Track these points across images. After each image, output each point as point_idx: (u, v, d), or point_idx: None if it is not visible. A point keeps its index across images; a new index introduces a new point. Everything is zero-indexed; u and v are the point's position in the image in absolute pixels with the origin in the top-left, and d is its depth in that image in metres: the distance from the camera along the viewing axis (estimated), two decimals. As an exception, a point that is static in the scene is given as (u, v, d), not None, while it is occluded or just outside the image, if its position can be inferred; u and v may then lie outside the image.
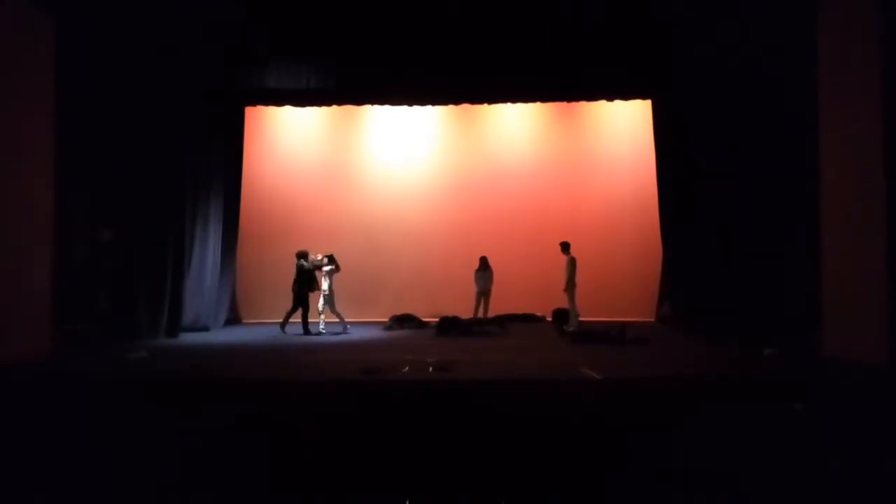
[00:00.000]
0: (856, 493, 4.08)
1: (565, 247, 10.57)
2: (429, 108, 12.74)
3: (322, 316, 10.73)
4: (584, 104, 12.54)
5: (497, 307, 11.94)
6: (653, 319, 11.73)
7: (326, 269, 10.69)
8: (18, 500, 3.96)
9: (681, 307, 10.75)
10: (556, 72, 10.50)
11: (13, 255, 7.98)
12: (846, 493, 4.06)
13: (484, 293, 11.87)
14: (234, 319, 11.79)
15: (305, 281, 10.56)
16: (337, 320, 10.78)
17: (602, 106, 12.50)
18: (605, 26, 10.13)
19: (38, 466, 4.57)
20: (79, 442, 5.30)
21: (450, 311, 11.78)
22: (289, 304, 10.71)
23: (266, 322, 11.56)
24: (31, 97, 8.44)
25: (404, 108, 12.66)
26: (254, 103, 11.71)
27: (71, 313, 8.88)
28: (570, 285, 10.40)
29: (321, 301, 10.76)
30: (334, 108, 12.45)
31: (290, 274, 10.72)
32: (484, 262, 11.88)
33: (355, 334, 10.53)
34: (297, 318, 10.60)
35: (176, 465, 4.52)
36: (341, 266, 10.91)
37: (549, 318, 11.86)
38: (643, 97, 11.47)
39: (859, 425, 5.69)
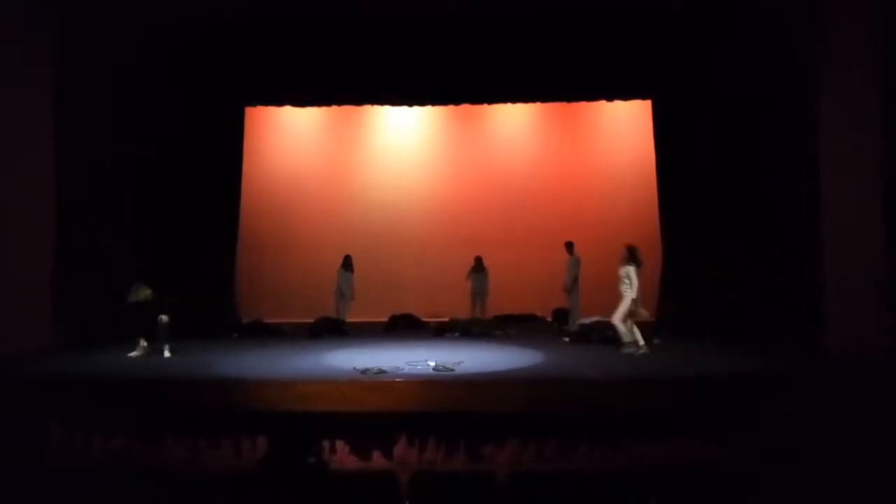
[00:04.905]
0: (856, 491, 4.08)
1: (569, 247, 10.57)
2: (429, 108, 12.74)
3: None
4: (583, 104, 12.54)
5: (497, 307, 11.94)
6: (652, 319, 11.71)
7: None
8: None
9: (680, 306, 10.75)
10: (555, 71, 10.52)
11: (13, 254, 8.00)
12: (846, 491, 4.06)
13: (479, 294, 11.87)
14: (232, 320, 11.75)
15: None
16: None
17: (602, 106, 12.50)
18: (605, 25, 10.16)
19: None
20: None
21: (448, 312, 11.84)
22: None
23: (266, 323, 11.53)
24: (32, 95, 8.45)
25: (404, 109, 12.66)
26: (254, 103, 11.70)
27: (72, 312, 8.87)
28: (573, 285, 10.40)
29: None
30: (334, 108, 12.45)
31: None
32: (478, 262, 11.88)
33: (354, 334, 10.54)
34: None
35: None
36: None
37: (550, 318, 11.87)
38: (643, 97, 11.47)
39: (859, 423, 5.70)
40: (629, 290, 8.31)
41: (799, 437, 5.73)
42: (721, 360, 7.69)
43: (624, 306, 8.34)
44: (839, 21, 7.86)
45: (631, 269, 8.37)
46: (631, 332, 8.35)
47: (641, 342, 8.29)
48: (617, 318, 8.38)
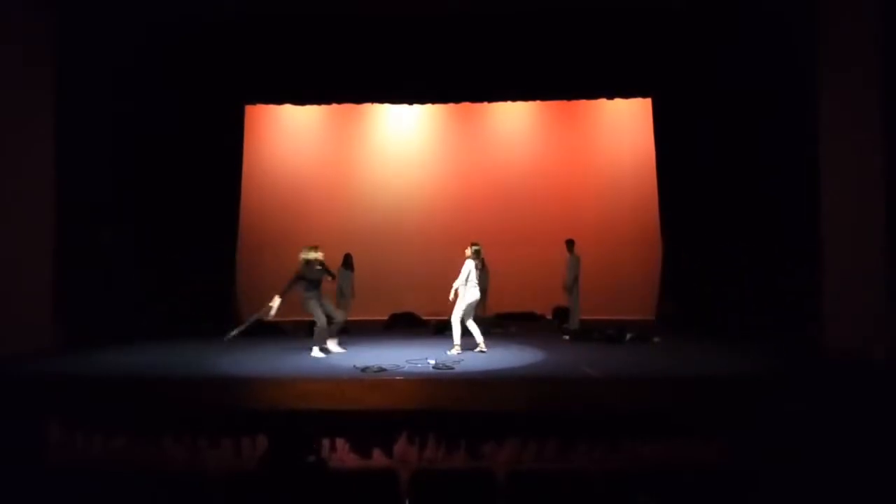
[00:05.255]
0: (856, 491, 4.08)
1: (570, 245, 10.59)
2: (429, 106, 12.74)
3: None
4: (584, 102, 12.55)
5: (497, 306, 11.94)
6: (653, 317, 11.73)
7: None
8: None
9: (680, 305, 10.76)
10: (556, 70, 10.53)
11: (13, 254, 8.00)
12: (846, 491, 4.06)
13: (481, 292, 11.84)
14: (232, 319, 11.73)
15: None
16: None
17: (602, 103, 12.50)
18: (604, 25, 10.17)
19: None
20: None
21: (449, 310, 11.81)
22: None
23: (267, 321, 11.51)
24: (32, 95, 8.45)
25: (404, 107, 12.66)
26: (253, 101, 11.71)
27: (72, 312, 8.88)
28: (574, 284, 10.41)
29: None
30: (334, 106, 12.44)
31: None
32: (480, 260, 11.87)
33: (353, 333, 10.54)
34: None
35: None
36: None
37: (550, 317, 11.86)
38: (643, 95, 11.49)
39: (859, 423, 5.70)
40: (463, 287, 8.53)
41: (799, 437, 5.73)
42: (721, 359, 7.70)
43: (461, 305, 8.52)
44: (839, 21, 7.86)
45: (468, 265, 8.55)
46: (465, 332, 8.53)
47: (480, 340, 8.53)
48: (455, 317, 8.57)
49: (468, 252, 8.65)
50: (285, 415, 5.96)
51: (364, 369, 7.00)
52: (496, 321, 11.36)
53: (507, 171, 13.27)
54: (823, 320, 7.94)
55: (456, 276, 11.87)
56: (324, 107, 12.67)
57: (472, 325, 8.59)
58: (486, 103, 12.49)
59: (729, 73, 9.73)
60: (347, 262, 11.52)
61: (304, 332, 10.58)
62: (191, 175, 10.75)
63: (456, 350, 8.39)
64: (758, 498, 3.93)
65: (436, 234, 13.04)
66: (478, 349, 8.49)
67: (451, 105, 12.62)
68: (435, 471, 5.27)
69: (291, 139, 13.38)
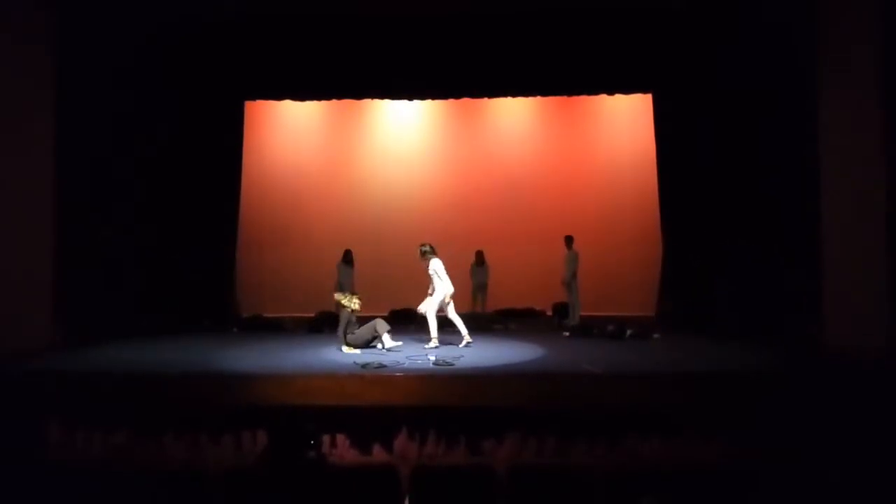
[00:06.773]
0: (856, 491, 4.08)
1: (568, 241, 10.60)
2: (429, 102, 12.73)
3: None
4: (584, 99, 12.55)
5: (497, 302, 11.93)
6: (653, 314, 11.72)
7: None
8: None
9: (680, 302, 10.77)
10: (556, 69, 10.54)
11: (14, 253, 8.00)
12: (846, 491, 4.06)
13: (481, 288, 11.85)
14: (232, 315, 11.73)
15: None
16: None
17: (602, 100, 12.50)
18: (605, 25, 10.19)
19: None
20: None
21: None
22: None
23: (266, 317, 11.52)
24: (32, 95, 8.45)
25: (405, 103, 12.66)
26: (253, 97, 11.71)
27: (72, 312, 8.88)
28: (572, 280, 10.42)
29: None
30: (334, 102, 12.44)
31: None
32: (480, 256, 11.86)
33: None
34: None
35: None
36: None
37: (550, 313, 11.86)
38: (643, 91, 11.48)
39: (859, 423, 5.70)
40: (440, 283, 8.60)
41: (799, 437, 5.72)
42: (721, 357, 7.71)
43: (437, 299, 8.57)
44: (839, 21, 7.86)
45: (436, 263, 8.67)
46: (436, 326, 8.64)
47: (464, 332, 8.61)
48: (430, 312, 8.61)
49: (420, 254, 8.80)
50: (285, 411, 5.97)
51: (364, 365, 7.01)
52: (496, 318, 11.36)
53: (507, 167, 13.25)
54: (823, 319, 7.94)
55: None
56: (324, 103, 12.63)
57: (455, 318, 8.65)
58: (486, 99, 12.49)
59: (729, 73, 9.73)
60: (347, 257, 11.48)
61: (304, 329, 10.59)
62: (191, 173, 10.77)
63: (433, 343, 8.38)
64: (758, 498, 3.93)
65: (436, 229, 12.98)
66: (464, 343, 8.50)
67: (452, 101, 12.60)
68: (435, 467, 5.27)
69: (291, 135, 13.37)
